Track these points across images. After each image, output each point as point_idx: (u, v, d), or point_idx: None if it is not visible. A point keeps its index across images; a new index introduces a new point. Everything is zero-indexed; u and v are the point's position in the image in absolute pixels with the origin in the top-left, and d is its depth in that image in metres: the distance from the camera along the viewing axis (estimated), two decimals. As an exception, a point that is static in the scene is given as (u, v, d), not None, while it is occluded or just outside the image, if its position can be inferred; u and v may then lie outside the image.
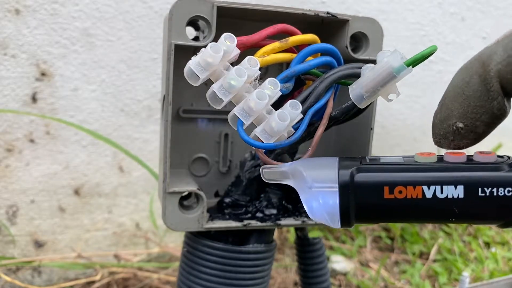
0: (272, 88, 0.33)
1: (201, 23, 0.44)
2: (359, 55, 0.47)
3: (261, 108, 0.32)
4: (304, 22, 0.47)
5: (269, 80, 0.33)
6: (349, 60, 0.50)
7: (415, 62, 0.32)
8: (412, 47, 1.19)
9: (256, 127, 0.34)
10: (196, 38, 0.45)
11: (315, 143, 0.35)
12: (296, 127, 0.35)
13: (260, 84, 0.33)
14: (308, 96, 0.36)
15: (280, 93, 0.34)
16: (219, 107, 0.33)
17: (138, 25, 0.89)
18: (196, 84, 0.34)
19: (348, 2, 1.10)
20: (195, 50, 0.50)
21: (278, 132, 0.33)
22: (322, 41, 0.40)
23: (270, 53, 0.37)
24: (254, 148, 0.34)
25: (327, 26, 0.48)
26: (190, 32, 0.45)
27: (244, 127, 0.33)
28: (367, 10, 1.13)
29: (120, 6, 0.88)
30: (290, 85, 0.36)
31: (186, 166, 0.54)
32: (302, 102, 0.36)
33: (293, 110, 0.33)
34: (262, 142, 0.33)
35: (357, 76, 0.36)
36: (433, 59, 1.23)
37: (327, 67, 0.39)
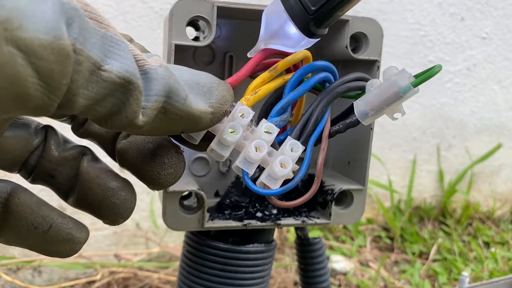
0: (270, 133, 0.32)
1: (201, 23, 0.44)
2: (359, 55, 0.47)
3: (261, 156, 0.32)
4: (304, 23, 0.46)
5: (265, 126, 0.32)
6: (348, 60, 0.50)
7: (422, 83, 0.31)
8: (412, 47, 1.20)
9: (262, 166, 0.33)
10: (196, 38, 0.45)
11: (319, 171, 0.34)
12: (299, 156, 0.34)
13: (256, 126, 0.32)
14: (306, 123, 0.35)
15: (278, 130, 0.33)
16: (223, 159, 0.33)
17: (139, 25, 0.89)
18: (196, 143, 0.33)
19: (348, 2, 1.10)
20: (195, 50, 0.50)
21: (283, 176, 0.33)
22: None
23: (261, 85, 0.35)
24: (266, 197, 0.34)
25: (327, 26, 0.48)
26: (190, 32, 0.45)
27: (250, 175, 0.33)
28: (367, 10, 1.13)
29: (120, 6, 0.88)
30: (286, 116, 0.35)
31: (186, 166, 0.54)
32: (302, 129, 0.35)
33: (294, 152, 0.33)
34: (270, 188, 0.33)
35: (353, 90, 0.35)
36: (433, 59, 1.23)
37: (324, 82, 0.38)
